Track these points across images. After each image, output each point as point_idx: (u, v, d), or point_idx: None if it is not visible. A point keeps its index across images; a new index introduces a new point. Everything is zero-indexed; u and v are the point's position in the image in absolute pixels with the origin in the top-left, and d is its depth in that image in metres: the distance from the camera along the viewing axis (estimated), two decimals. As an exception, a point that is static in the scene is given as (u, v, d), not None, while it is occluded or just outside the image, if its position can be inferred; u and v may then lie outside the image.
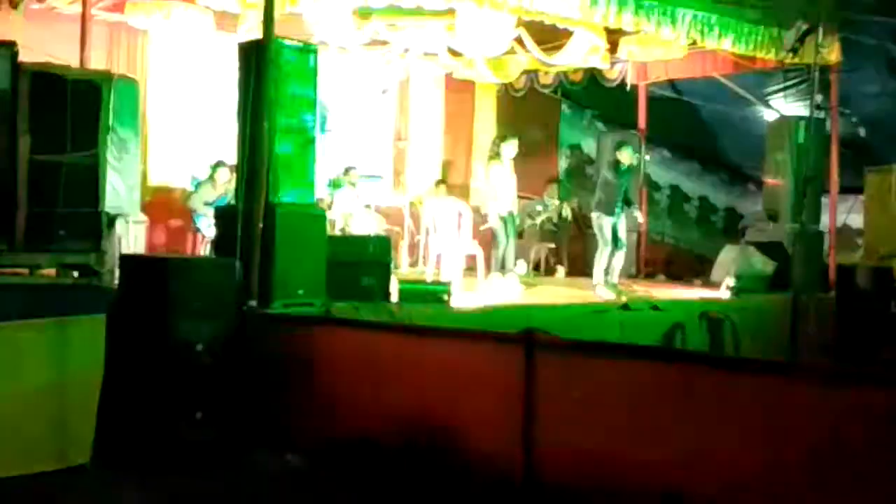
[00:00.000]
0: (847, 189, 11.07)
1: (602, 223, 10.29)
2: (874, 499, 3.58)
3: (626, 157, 10.27)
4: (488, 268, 10.47)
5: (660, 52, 11.23)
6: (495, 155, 10.55)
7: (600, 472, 4.35)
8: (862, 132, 11.79)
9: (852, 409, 3.66)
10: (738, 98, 12.41)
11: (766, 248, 10.71)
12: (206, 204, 10.34)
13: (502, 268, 10.40)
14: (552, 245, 12.85)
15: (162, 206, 11.10)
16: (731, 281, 10.48)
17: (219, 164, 10.78)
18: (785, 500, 3.82)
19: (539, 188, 13.19)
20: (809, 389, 3.88)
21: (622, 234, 10.35)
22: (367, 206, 11.95)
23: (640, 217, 10.57)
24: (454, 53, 11.94)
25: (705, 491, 4.00)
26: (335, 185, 12.28)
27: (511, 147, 10.53)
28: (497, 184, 10.49)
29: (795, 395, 3.89)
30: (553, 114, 14.55)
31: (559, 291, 10.66)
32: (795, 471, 3.79)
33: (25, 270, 6.59)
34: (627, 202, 10.39)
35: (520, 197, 12.48)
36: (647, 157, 10.58)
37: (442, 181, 13.34)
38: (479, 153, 13.99)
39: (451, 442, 4.97)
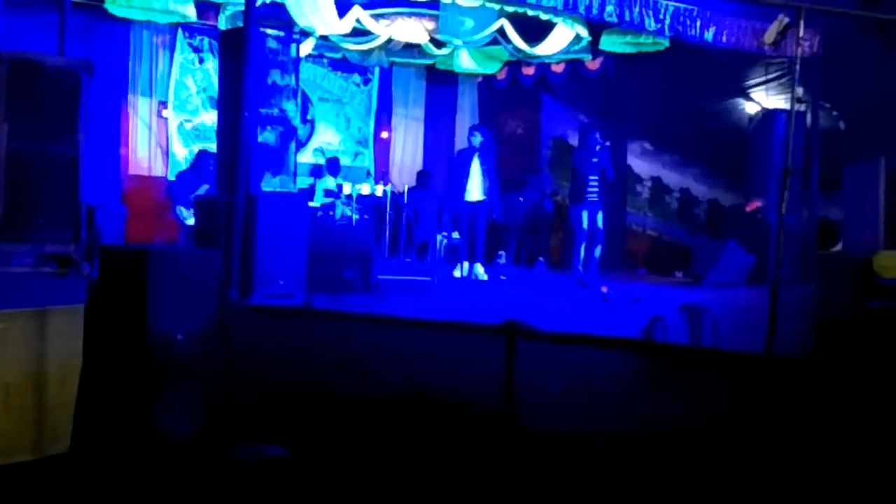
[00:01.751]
0: (827, 182, 11.11)
1: (576, 213, 10.34)
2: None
3: (589, 144, 10.31)
4: (472, 258, 10.51)
5: (642, 44, 11.22)
6: (466, 143, 10.72)
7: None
8: (842, 125, 11.83)
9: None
10: (720, 90, 12.43)
11: (747, 242, 10.76)
12: (188, 193, 10.29)
13: (469, 257, 10.47)
14: (533, 237, 12.87)
15: (142, 196, 11.04)
16: (713, 274, 10.53)
17: (201, 153, 10.73)
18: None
19: (521, 180, 13.20)
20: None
21: (600, 225, 10.38)
22: (349, 197, 11.93)
23: (599, 220, 10.48)
24: (437, 44, 11.92)
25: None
26: (317, 175, 12.27)
27: (475, 135, 10.62)
28: (462, 172, 10.65)
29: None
30: (535, 105, 14.56)
31: (540, 283, 10.68)
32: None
33: (2, 260, 6.53)
34: (601, 195, 10.42)
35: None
36: (607, 143, 10.45)
37: (424, 172, 13.34)
38: (461, 144, 14.00)
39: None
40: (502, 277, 10.84)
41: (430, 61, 13.38)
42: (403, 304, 7.68)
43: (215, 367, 5.97)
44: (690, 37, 10.15)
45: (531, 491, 4.53)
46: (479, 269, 10.55)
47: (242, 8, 7.08)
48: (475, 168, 10.69)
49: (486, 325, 5.14)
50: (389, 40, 11.82)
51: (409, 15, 10.97)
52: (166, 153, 11.67)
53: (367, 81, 13.97)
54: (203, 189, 10.13)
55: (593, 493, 4.33)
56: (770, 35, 7.46)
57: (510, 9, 9.98)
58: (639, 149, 13.48)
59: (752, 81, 12.33)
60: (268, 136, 7.16)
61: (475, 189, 10.70)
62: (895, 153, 8.68)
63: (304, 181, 11.75)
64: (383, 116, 14.15)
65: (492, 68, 13.46)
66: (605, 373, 4.45)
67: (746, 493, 3.93)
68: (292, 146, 7.40)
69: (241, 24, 7.08)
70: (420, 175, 13.26)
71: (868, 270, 8.37)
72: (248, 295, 6.72)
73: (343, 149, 13.51)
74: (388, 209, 12.46)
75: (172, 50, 11.72)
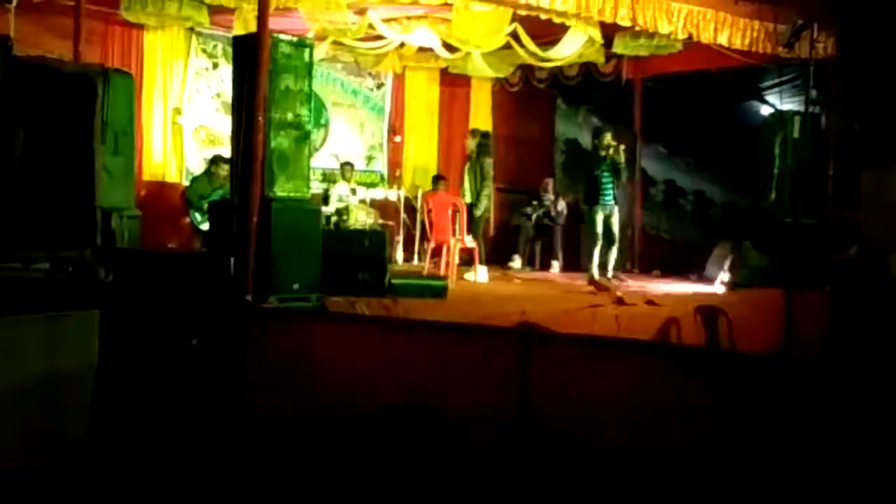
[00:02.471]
0: (842, 184, 11.06)
1: (591, 215, 10.37)
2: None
3: (602, 145, 10.32)
4: (479, 260, 10.56)
5: (655, 46, 11.21)
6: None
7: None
8: (857, 127, 11.76)
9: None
10: (734, 93, 12.40)
11: (761, 243, 10.71)
12: (202, 198, 10.32)
13: (478, 259, 10.56)
14: (547, 239, 12.86)
15: (156, 200, 11.07)
16: (725, 276, 10.48)
17: (215, 158, 10.76)
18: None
19: (534, 183, 13.19)
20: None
21: (615, 228, 10.37)
22: (363, 201, 11.95)
23: (614, 222, 10.54)
24: (449, 48, 11.92)
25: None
26: (330, 179, 12.30)
27: (468, 138, 11.08)
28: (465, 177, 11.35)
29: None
30: (548, 108, 14.54)
31: (554, 286, 10.66)
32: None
33: (19, 265, 6.57)
34: (614, 198, 10.43)
35: (514, 191, 12.55)
36: (623, 147, 10.49)
37: (437, 176, 13.35)
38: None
39: (447, 436, 4.96)
40: (516, 280, 10.83)
41: (442, 65, 13.39)
42: (418, 308, 7.66)
43: (230, 371, 5.98)
44: (704, 39, 10.11)
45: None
46: (483, 271, 10.56)
47: (256, 13, 7.09)
48: (467, 171, 11.39)
49: (501, 328, 5.14)
50: (402, 44, 11.83)
51: (422, 19, 10.98)
52: (180, 158, 11.69)
53: (380, 85, 13.98)
54: (217, 194, 10.16)
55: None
56: (784, 37, 7.44)
57: (523, 12, 9.97)
58: (653, 152, 13.45)
59: (767, 83, 12.29)
60: (281, 140, 7.16)
61: (467, 191, 11.32)
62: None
63: (318, 185, 11.78)
64: (397, 120, 14.15)
65: (505, 71, 13.46)
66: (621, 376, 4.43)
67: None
68: (306, 151, 7.40)
69: (254, 29, 7.08)
70: (434, 178, 13.27)
71: (884, 272, 8.33)
72: (263, 298, 6.72)
73: (357, 153, 13.52)
74: (401, 212, 12.48)
75: (186, 55, 11.74)
